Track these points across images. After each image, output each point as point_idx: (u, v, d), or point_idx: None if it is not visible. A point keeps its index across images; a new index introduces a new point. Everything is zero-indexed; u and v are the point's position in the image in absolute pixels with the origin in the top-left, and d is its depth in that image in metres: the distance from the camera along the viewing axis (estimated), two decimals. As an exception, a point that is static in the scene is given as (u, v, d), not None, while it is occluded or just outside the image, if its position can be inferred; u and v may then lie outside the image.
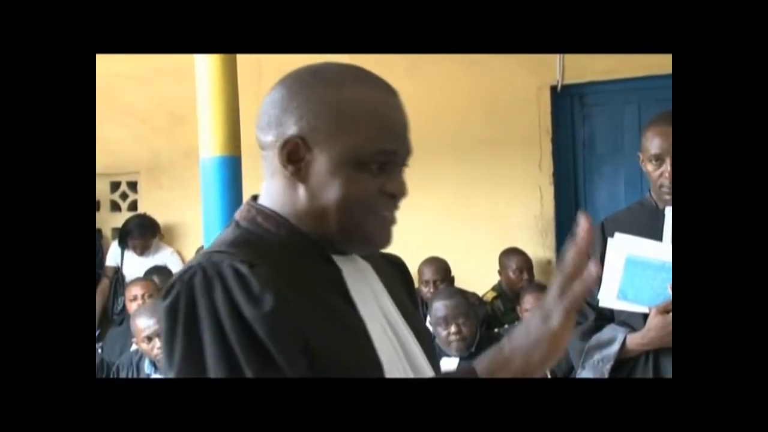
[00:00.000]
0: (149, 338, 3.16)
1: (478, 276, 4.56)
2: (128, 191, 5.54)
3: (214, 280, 1.01)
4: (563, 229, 4.68)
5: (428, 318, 3.41)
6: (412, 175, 1.17)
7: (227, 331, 0.98)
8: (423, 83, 4.62)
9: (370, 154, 1.09)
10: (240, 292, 1.00)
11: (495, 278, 4.52)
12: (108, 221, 5.49)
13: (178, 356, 1.00)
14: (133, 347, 3.53)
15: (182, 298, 1.01)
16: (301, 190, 1.11)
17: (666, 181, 2.04)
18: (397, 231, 1.16)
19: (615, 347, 2.06)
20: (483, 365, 1.03)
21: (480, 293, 4.37)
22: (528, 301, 3.76)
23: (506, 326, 3.99)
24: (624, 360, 2.07)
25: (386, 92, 1.13)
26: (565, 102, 4.85)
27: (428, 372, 1.17)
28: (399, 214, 1.15)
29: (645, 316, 2.05)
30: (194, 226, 4.10)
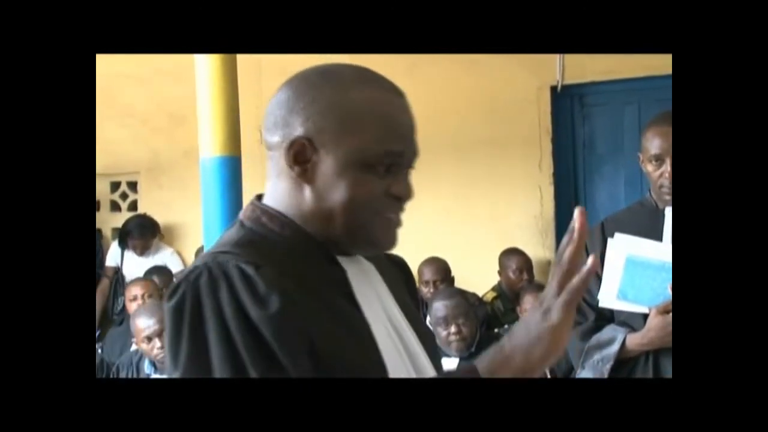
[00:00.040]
0: (149, 338, 3.16)
1: (478, 276, 4.55)
2: (128, 191, 5.54)
3: (220, 281, 1.01)
4: (563, 229, 4.62)
5: (428, 318, 3.41)
6: (412, 175, 1.16)
7: (233, 332, 0.98)
8: (423, 83, 4.61)
9: (376, 156, 1.09)
10: (246, 293, 1.00)
11: (495, 278, 4.52)
12: (108, 221, 5.49)
13: (183, 357, 1.00)
14: (133, 347, 3.53)
15: (188, 298, 1.01)
16: (307, 191, 1.11)
17: (666, 181, 2.04)
18: (397, 231, 1.16)
19: (615, 347, 2.06)
20: (484, 364, 1.03)
21: (480, 293, 4.36)
22: (528, 301, 3.76)
23: (506, 326, 3.98)
24: (624, 360, 2.07)
25: (393, 94, 1.13)
26: (565, 102, 4.85)
27: (431, 373, 1.17)
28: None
29: (645, 316, 2.05)
30: (194, 227, 4.10)
